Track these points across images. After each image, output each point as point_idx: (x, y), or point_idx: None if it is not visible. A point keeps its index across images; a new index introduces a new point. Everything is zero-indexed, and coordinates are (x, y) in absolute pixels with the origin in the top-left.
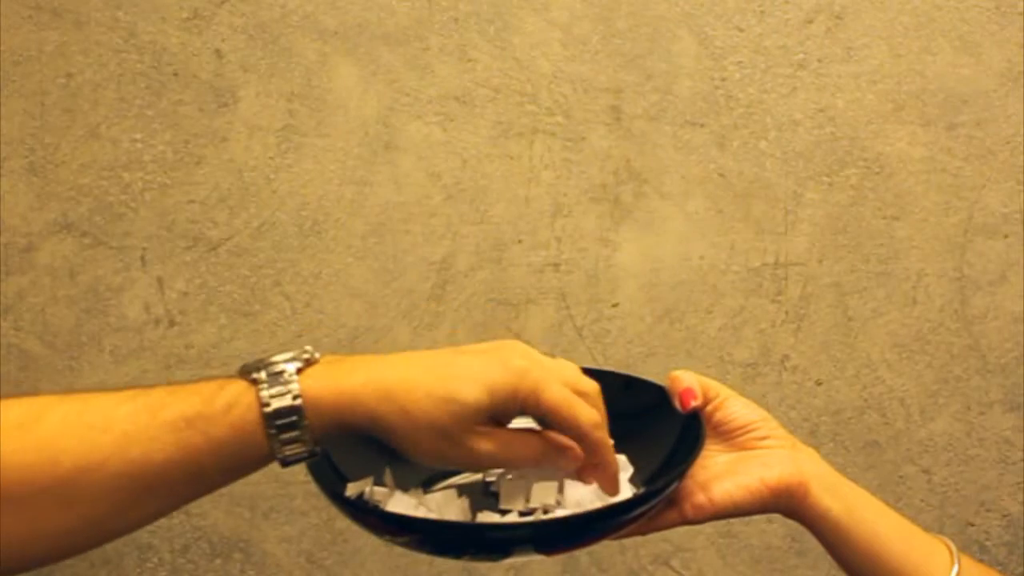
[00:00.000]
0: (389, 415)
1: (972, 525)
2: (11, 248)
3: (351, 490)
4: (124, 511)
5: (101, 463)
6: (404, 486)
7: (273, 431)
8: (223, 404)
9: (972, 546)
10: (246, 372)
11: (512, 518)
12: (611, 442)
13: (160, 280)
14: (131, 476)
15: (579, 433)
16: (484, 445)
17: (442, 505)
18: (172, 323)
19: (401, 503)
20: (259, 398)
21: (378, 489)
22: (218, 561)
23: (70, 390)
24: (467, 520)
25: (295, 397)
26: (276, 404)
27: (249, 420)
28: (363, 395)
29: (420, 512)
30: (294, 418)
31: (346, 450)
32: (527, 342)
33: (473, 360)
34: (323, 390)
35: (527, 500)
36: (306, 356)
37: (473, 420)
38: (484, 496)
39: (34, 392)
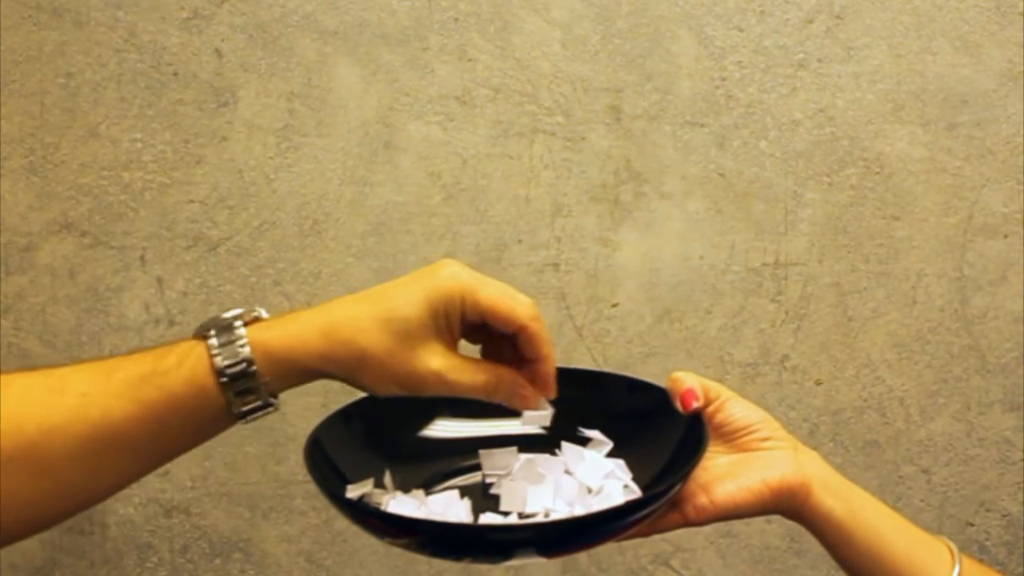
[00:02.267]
0: (337, 349)
1: (972, 525)
2: (11, 248)
3: (352, 492)
4: (92, 474)
5: (63, 426)
6: (405, 487)
7: (225, 379)
8: (175, 359)
9: (972, 546)
10: (197, 332)
11: (514, 520)
12: (550, 336)
13: (160, 280)
14: (94, 437)
15: (519, 325)
16: (432, 362)
17: (444, 507)
18: (172, 323)
19: (403, 505)
20: (208, 349)
21: (378, 491)
22: (218, 561)
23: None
24: (469, 522)
25: (242, 346)
26: (224, 353)
27: (200, 372)
28: (309, 335)
29: (422, 514)
30: (243, 366)
31: (346, 452)
32: None
33: (407, 280)
34: (271, 337)
35: (526, 502)
36: (255, 314)
37: (418, 335)
38: (485, 498)
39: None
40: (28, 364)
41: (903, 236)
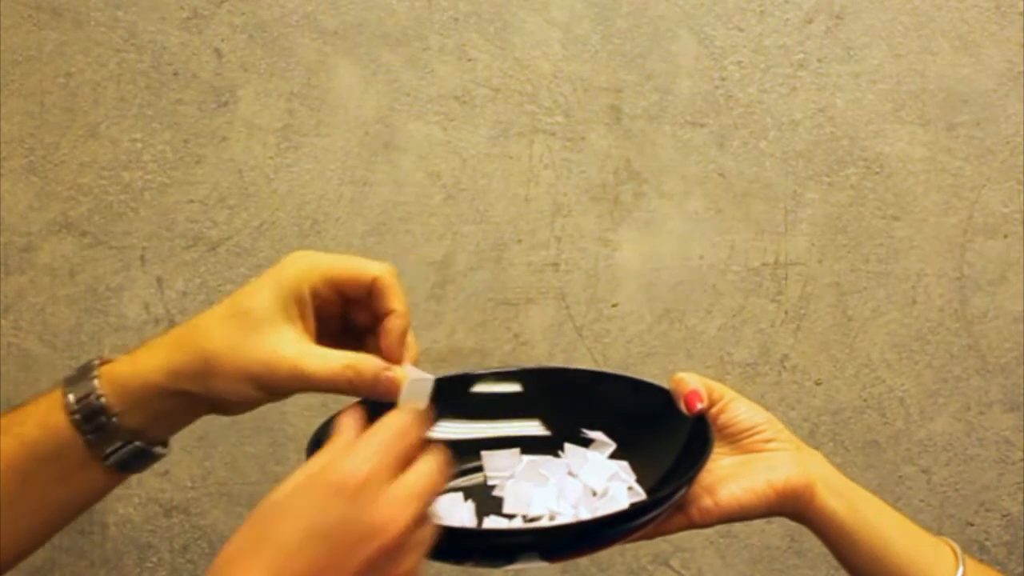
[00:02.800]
0: (181, 358)
1: (972, 525)
2: (11, 247)
3: None
4: None
5: None
6: None
7: (76, 416)
8: (32, 405)
9: (972, 546)
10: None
11: (518, 524)
12: (405, 295)
13: (160, 280)
14: None
15: (370, 276)
16: (283, 348)
17: (448, 509)
18: (172, 323)
19: None
20: (63, 390)
21: None
22: None
23: None
24: (473, 526)
25: (92, 378)
26: (74, 389)
27: (52, 412)
28: (154, 353)
29: None
30: (90, 398)
31: None
32: (527, 342)
33: (257, 279)
34: (118, 365)
35: (531, 505)
36: (116, 356)
37: (266, 322)
38: (488, 499)
39: (35, 391)
40: (28, 364)
41: (903, 236)
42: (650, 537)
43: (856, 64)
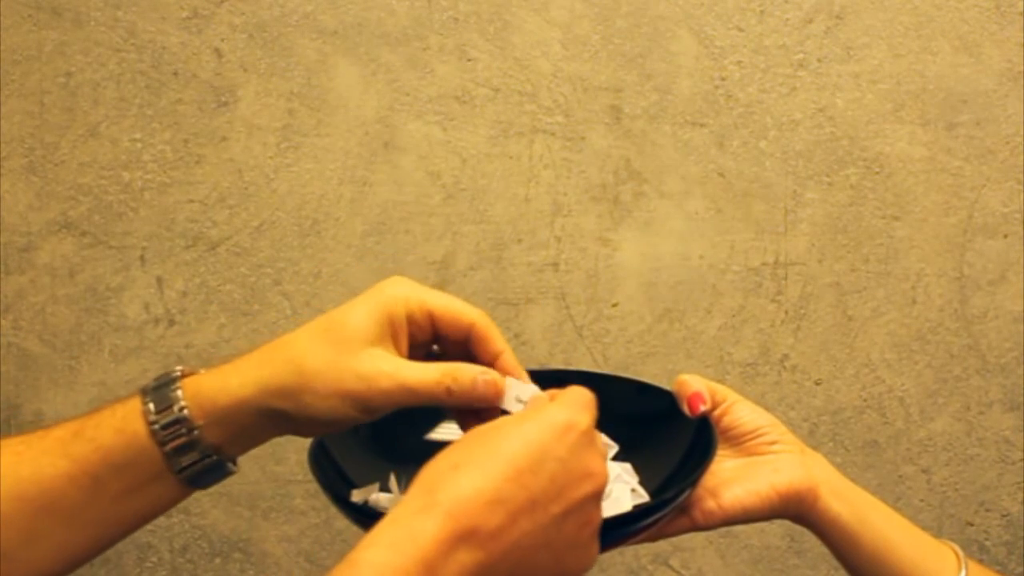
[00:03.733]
0: (274, 372)
1: (971, 525)
2: (10, 247)
3: (357, 496)
4: (28, 540)
5: None
6: None
7: (155, 426)
8: (108, 412)
9: (971, 546)
10: (140, 389)
11: None
12: (499, 332)
13: (160, 279)
14: (26, 497)
15: (468, 321)
16: (381, 363)
17: None
18: (172, 322)
19: None
20: (142, 398)
21: (384, 496)
22: (217, 560)
23: (70, 389)
24: None
25: (174, 390)
26: (155, 398)
27: (131, 421)
28: (244, 367)
29: None
30: (173, 410)
31: (351, 454)
32: (527, 342)
33: (353, 299)
34: (204, 379)
35: None
36: (198, 369)
37: (360, 340)
38: None
39: (35, 391)
40: (28, 364)
41: (903, 236)
42: (653, 539)
43: (856, 64)
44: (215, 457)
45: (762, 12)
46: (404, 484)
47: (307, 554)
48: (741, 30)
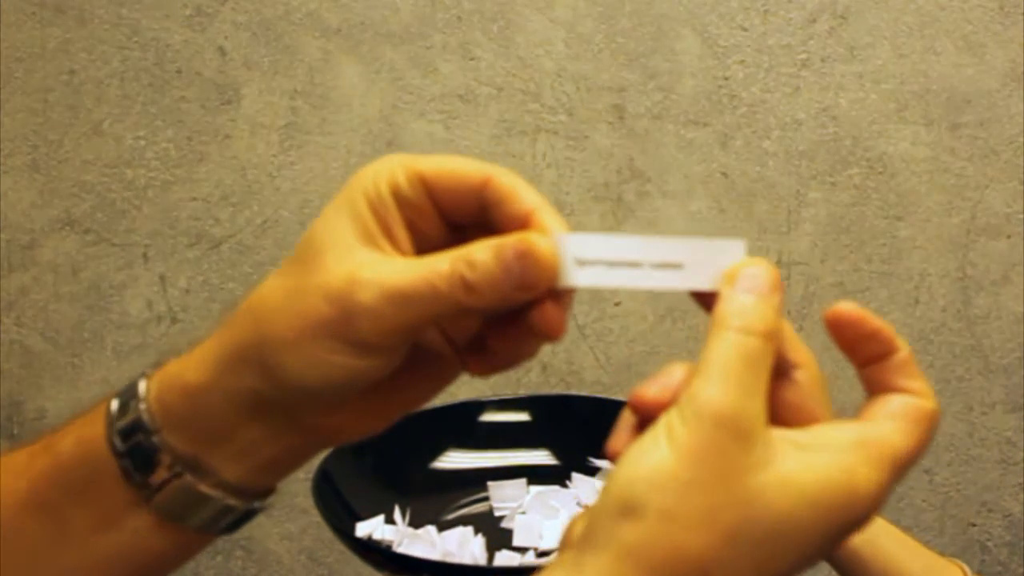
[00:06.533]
0: (234, 335)
1: (974, 525)
2: (14, 245)
3: (362, 530)
4: None
5: None
6: (415, 522)
7: (114, 432)
8: (75, 418)
9: (973, 547)
10: None
11: (530, 559)
12: (528, 186)
13: (162, 277)
14: None
15: (481, 176)
16: (359, 273)
17: (459, 545)
18: (174, 320)
19: (416, 544)
20: (108, 400)
21: (390, 528)
22: (219, 558)
23: (73, 387)
24: (484, 564)
25: (143, 376)
26: (121, 396)
27: (90, 423)
28: (206, 343)
29: (436, 553)
30: (131, 403)
31: (354, 482)
32: None
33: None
34: (169, 365)
35: (542, 538)
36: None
37: (333, 247)
38: (497, 532)
39: (37, 389)
40: (30, 361)
41: (906, 236)
42: None
43: (859, 64)
44: (188, 477)
45: (766, 12)
46: (408, 514)
47: (309, 552)
48: (745, 30)
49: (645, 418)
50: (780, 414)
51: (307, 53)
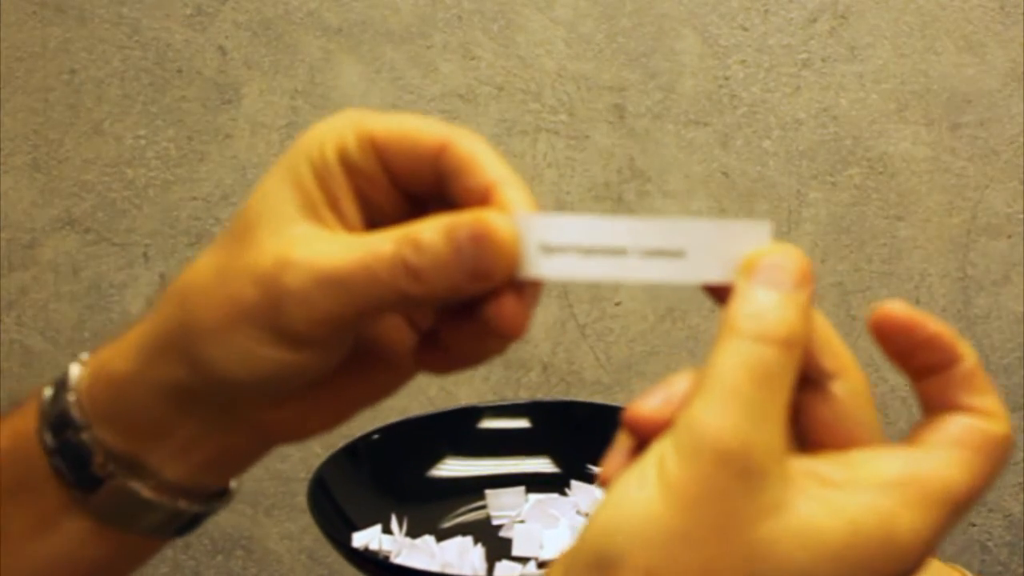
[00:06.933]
0: (160, 322)
1: (974, 525)
2: (14, 244)
3: (359, 540)
4: None
5: None
6: (413, 531)
7: (44, 429)
8: (13, 408)
9: (974, 546)
10: None
11: (531, 570)
12: (494, 154)
13: (163, 277)
14: None
15: (437, 140)
16: (291, 251)
17: (458, 555)
18: None
19: (415, 555)
20: (40, 392)
21: (387, 537)
22: (220, 558)
23: None
24: (483, 574)
25: (77, 362)
26: (54, 385)
27: (26, 419)
28: (137, 327)
29: (436, 564)
30: (59, 401)
31: (351, 491)
32: (529, 340)
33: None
34: (104, 352)
35: (542, 547)
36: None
37: (267, 221)
38: (496, 541)
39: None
40: (30, 360)
41: (906, 236)
42: None
43: (860, 64)
44: (126, 477)
45: (766, 11)
46: (406, 523)
47: (309, 551)
48: (745, 29)
49: (643, 439)
50: (813, 434)
51: (308, 53)
